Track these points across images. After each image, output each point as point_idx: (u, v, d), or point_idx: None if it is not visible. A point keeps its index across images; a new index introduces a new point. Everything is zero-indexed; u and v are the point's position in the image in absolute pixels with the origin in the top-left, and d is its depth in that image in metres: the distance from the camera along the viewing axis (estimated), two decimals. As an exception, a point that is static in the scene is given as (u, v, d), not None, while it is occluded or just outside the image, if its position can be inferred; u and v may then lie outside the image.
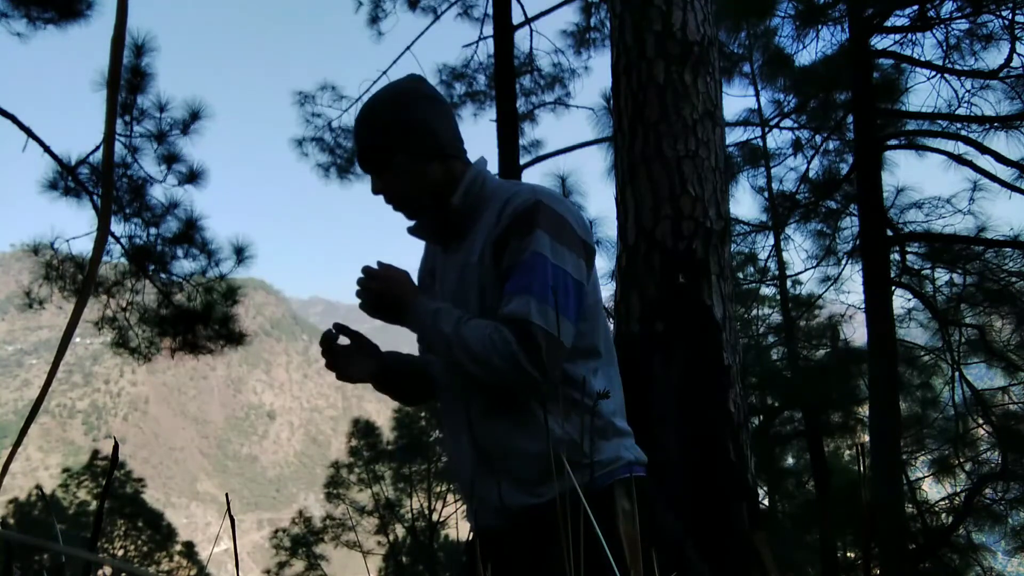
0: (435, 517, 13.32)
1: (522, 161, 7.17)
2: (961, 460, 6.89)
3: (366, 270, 1.48)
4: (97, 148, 5.76)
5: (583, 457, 1.36)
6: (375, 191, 1.54)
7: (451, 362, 1.43)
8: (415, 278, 1.57)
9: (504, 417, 1.44)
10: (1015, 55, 5.86)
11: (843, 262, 7.76)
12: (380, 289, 1.47)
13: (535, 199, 1.41)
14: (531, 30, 8.14)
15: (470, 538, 1.56)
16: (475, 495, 1.48)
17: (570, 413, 1.40)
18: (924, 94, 16.59)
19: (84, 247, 6.23)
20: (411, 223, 1.58)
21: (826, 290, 8.16)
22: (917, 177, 7.27)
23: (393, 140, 1.49)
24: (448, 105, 1.59)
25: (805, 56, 7.80)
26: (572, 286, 1.38)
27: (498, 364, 1.32)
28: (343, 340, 1.58)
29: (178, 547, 15.70)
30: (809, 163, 7.65)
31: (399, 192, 1.53)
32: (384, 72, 8.25)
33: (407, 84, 1.56)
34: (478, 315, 1.41)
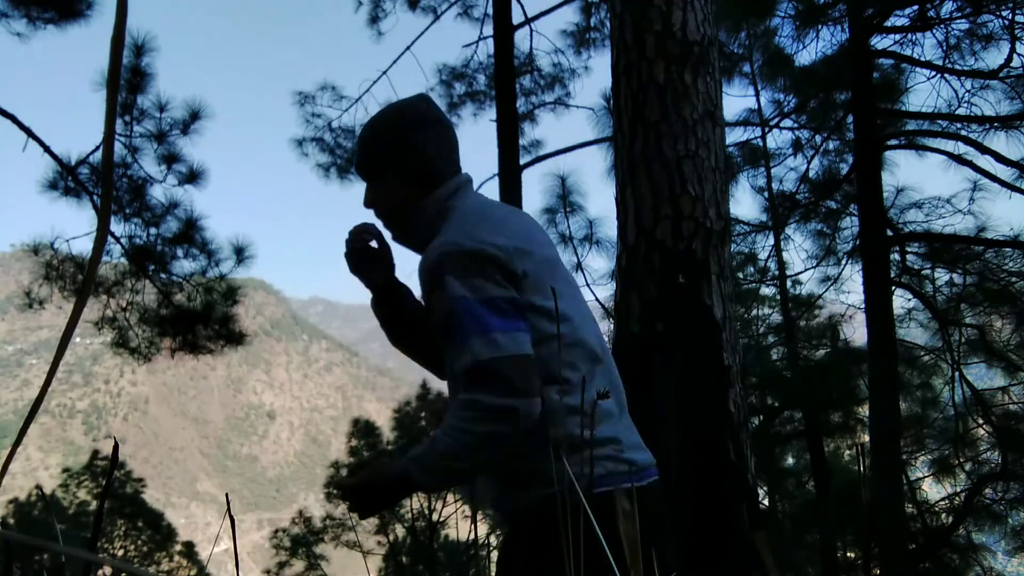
0: (435, 517, 13.32)
1: (522, 161, 7.17)
2: (961, 460, 6.89)
3: (337, 483, 1.50)
4: (97, 148, 5.77)
5: (576, 465, 1.35)
6: (365, 204, 1.59)
7: (459, 481, 1.47)
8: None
9: None
10: (1015, 55, 5.86)
11: (843, 262, 7.77)
12: (357, 496, 1.44)
13: (439, 252, 1.40)
14: (531, 30, 8.15)
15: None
16: (480, 495, 1.51)
17: (553, 421, 1.36)
18: (924, 94, 16.57)
19: (84, 247, 6.24)
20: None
21: (826, 290, 8.16)
22: (917, 177, 7.27)
23: (384, 159, 1.54)
24: (450, 128, 1.60)
25: (805, 56, 7.80)
26: (501, 302, 1.35)
27: (490, 428, 1.29)
28: (373, 244, 1.64)
29: (178, 547, 15.70)
30: (809, 163, 7.65)
31: (385, 209, 1.57)
32: (384, 72, 8.27)
33: (410, 104, 1.59)
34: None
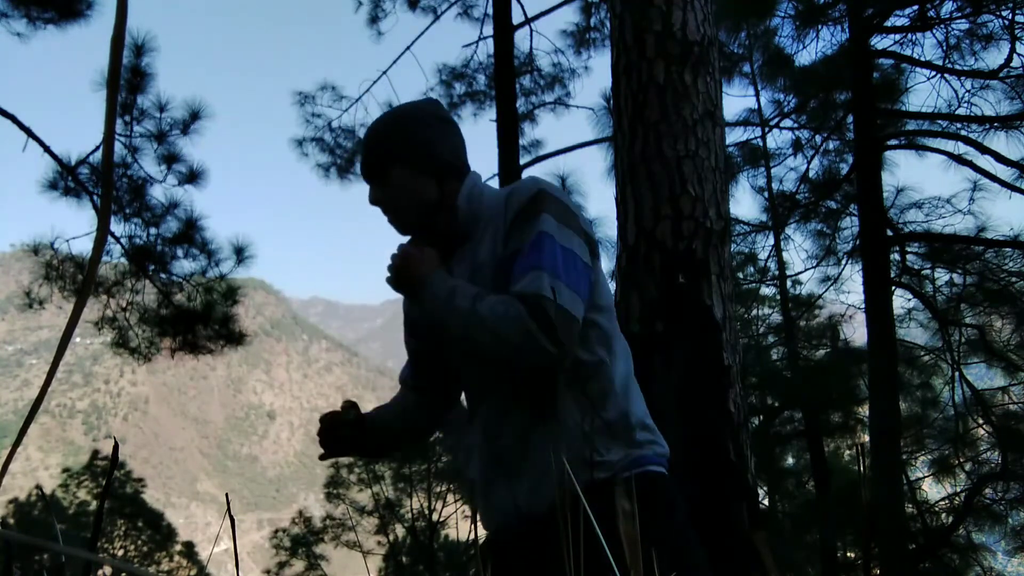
0: (435, 517, 13.32)
1: (522, 161, 7.17)
2: (961, 460, 6.89)
3: (398, 248, 1.53)
4: (97, 148, 5.76)
5: (595, 454, 1.36)
6: (372, 200, 1.57)
7: (466, 342, 1.42)
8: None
9: (521, 415, 1.43)
10: (1015, 55, 5.86)
11: (843, 262, 7.77)
12: (399, 265, 1.49)
13: (538, 188, 1.45)
14: (531, 30, 8.14)
15: (484, 540, 1.55)
16: (490, 498, 1.48)
17: (584, 409, 1.39)
18: (924, 94, 16.57)
19: (84, 247, 6.24)
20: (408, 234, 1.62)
21: (826, 290, 8.17)
22: (917, 177, 7.28)
23: (393, 152, 1.53)
24: (457, 130, 1.61)
25: (805, 56, 7.80)
26: (581, 267, 1.40)
27: (514, 340, 1.32)
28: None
29: (178, 547, 15.71)
30: (809, 163, 7.66)
31: (393, 204, 1.56)
32: (384, 72, 8.26)
33: (420, 104, 1.61)
34: None
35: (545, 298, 1.30)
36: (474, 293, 1.39)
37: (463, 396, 1.62)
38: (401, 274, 1.48)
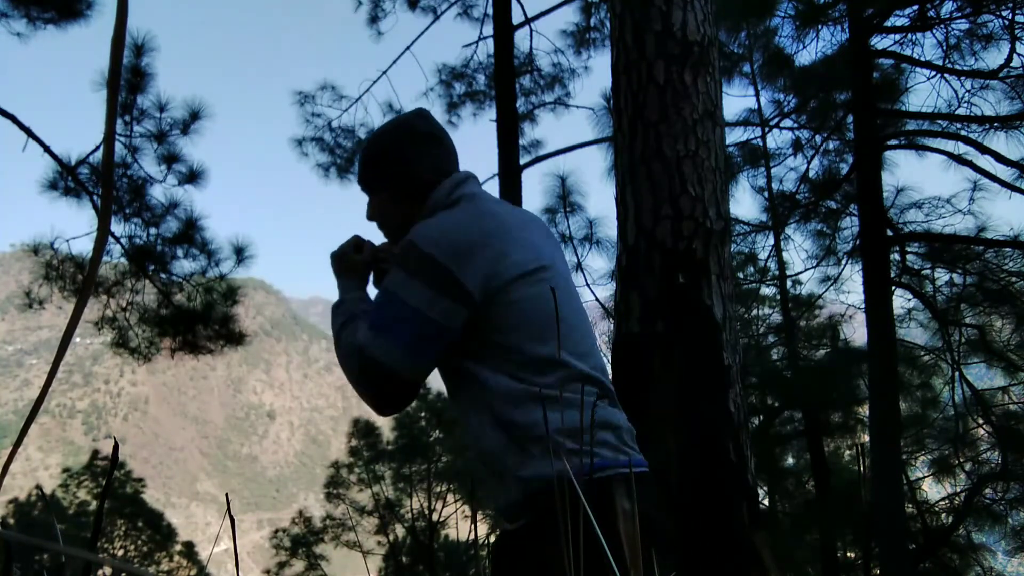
0: (435, 517, 13.31)
1: (522, 161, 7.17)
2: (961, 460, 6.90)
3: (352, 236, 1.67)
4: (97, 148, 5.76)
5: (505, 469, 1.38)
6: (368, 217, 1.67)
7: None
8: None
9: (462, 419, 1.51)
10: (1015, 55, 5.85)
11: (843, 262, 7.77)
12: (336, 254, 1.65)
13: (408, 239, 1.44)
14: (531, 30, 8.15)
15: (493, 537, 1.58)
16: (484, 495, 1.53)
17: (486, 424, 1.41)
18: (924, 94, 16.60)
19: (84, 247, 6.24)
20: None
21: (826, 290, 8.16)
22: (917, 177, 7.27)
23: (380, 174, 1.61)
24: (441, 141, 1.62)
25: (805, 56, 7.81)
26: (428, 325, 1.38)
27: (353, 379, 1.45)
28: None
29: (178, 547, 15.71)
30: (809, 163, 7.65)
31: (383, 222, 1.65)
32: (384, 72, 8.27)
33: (406, 120, 1.64)
34: None
35: (375, 361, 1.40)
36: (351, 313, 1.53)
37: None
38: (333, 262, 1.65)
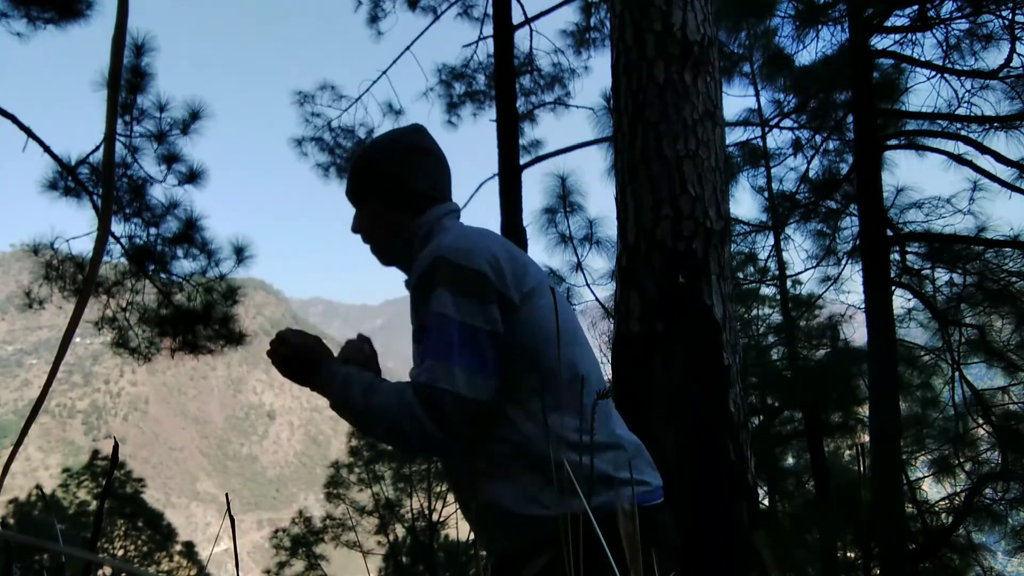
0: (435, 517, 13.32)
1: (522, 161, 7.16)
2: (961, 460, 6.89)
3: (278, 335, 1.48)
4: (97, 148, 5.76)
5: (517, 515, 1.33)
6: (352, 229, 1.60)
7: (362, 431, 1.43)
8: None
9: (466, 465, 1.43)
10: (1015, 55, 5.85)
11: (843, 262, 7.76)
12: (285, 355, 1.45)
13: (434, 256, 1.37)
14: (531, 30, 8.15)
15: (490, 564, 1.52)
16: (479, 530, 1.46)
17: (506, 466, 1.34)
18: (924, 94, 16.61)
19: (84, 247, 6.24)
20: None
21: (826, 290, 8.16)
22: (917, 177, 7.27)
23: (367, 184, 1.56)
24: (436, 159, 1.59)
25: (805, 56, 7.81)
26: (484, 338, 1.32)
27: (404, 427, 1.30)
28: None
29: (178, 547, 15.70)
30: (809, 163, 7.64)
31: (369, 236, 1.59)
32: (384, 72, 8.27)
33: (400, 133, 1.61)
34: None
35: (439, 390, 1.28)
36: (367, 382, 1.38)
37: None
38: (289, 365, 1.45)
